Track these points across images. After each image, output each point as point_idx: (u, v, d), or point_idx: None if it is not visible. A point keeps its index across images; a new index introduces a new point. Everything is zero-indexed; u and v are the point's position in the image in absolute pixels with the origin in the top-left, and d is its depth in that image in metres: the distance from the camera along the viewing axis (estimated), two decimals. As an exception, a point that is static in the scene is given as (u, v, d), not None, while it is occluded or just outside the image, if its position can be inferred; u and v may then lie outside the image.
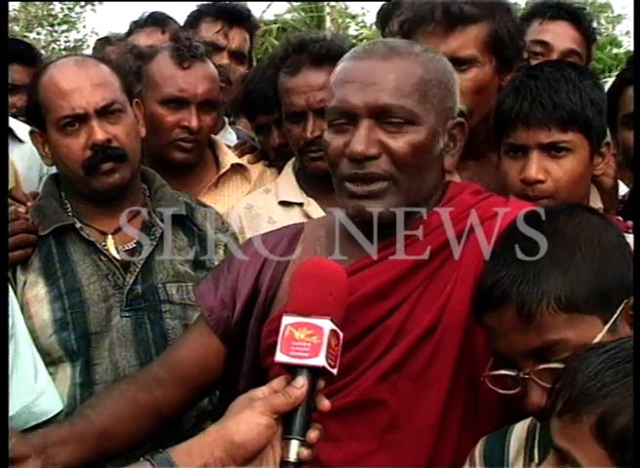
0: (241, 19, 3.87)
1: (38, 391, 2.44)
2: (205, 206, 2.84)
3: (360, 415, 1.69)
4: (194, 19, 3.89)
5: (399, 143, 1.92)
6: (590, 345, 1.50)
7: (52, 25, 27.65)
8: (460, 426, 1.92)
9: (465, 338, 1.92)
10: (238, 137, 3.77)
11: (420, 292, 1.95)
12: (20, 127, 3.56)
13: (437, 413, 1.91)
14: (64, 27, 28.06)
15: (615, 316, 1.61)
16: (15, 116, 4.01)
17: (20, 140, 3.50)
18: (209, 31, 3.80)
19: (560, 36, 3.52)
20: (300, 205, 3.01)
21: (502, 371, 1.66)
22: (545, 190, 2.39)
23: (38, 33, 27.24)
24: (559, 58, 3.38)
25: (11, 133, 3.42)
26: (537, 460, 1.73)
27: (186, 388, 2.13)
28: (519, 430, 1.79)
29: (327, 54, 2.90)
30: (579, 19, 3.58)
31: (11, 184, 3.00)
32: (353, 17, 33.00)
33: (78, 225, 2.59)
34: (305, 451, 1.59)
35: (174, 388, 2.11)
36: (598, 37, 3.81)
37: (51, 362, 2.55)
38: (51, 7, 27.72)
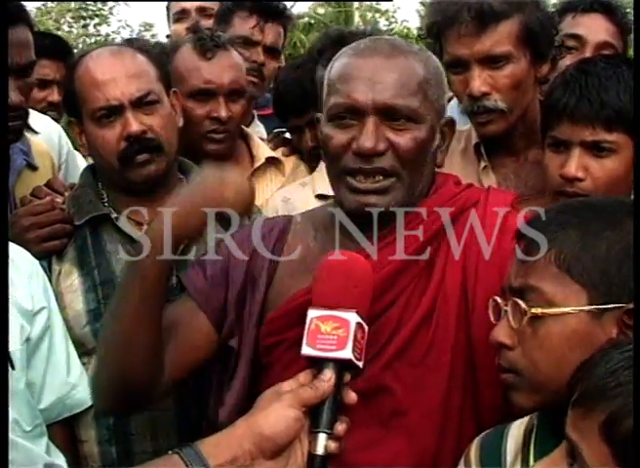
0: (276, 14, 3.82)
1: (71, 383, 2.46)
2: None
3: (366, 402, 1.70)
4: (228, 13, 3.83)
5: (405, 140, 1.97)
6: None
7: (84, 18, 27.76)
8: (460, 408, 1.97)
9: (459, 323, 1.98)
10: (270, 128, 3.75)
11: (415, 283, 2.00)
12: (34, 117, 3.53)
13: (440, 397, 1.95)
14: (97, 21, 28.19)
15: (604, 307, 1.60)
16: (44, 111, 4.03)
17: (35, 131, 3.48)
18: (243, 26, 3.75)
19: (593, 29, 3.43)
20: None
21: (497, 298, 1.73)
22: (584, 188, 2.35)
23: (70, 26, 27.38)
24: (594, 52, 3.31)
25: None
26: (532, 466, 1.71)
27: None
28: (515, 433, 1.78)
29: None
30: (612, 11, 3.48)
31: (49, 175, 3.02)
32: (381, 12, 32.83)
33: (114, 215, 2.58)
34: (333, 445, 1.59)
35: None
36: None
37: (84, 352, 2.56)
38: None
